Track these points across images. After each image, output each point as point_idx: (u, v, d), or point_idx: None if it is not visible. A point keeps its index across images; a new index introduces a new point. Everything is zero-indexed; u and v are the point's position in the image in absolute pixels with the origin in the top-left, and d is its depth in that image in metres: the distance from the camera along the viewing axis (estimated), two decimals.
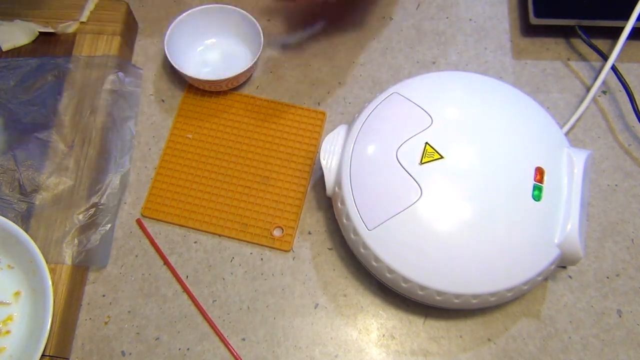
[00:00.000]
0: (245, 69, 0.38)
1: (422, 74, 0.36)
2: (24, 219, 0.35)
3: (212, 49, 0.42)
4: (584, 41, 0.41)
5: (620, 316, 0.35)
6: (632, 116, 0.40)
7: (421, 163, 0.32)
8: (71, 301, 0.34)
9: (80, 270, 0.35)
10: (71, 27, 0.40)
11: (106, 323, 0.35)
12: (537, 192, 0.31)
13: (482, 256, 0.31)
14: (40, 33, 0.40)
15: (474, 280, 0.31)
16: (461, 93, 0.35)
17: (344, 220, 0.33)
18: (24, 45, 0.40)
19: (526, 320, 0.35)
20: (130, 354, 0.34)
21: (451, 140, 0.33)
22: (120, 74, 0.40)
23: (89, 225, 0.35)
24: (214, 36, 0.42)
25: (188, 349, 0.34)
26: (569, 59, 0.42)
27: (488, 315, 0.35)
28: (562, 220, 0.31)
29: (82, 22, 0.41)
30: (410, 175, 0.32)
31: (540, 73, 0.42)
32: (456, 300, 0.31)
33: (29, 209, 0.35)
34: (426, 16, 0.44)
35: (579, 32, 0.41)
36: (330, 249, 0.37)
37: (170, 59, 0.39)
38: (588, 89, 0.41)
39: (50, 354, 0.32)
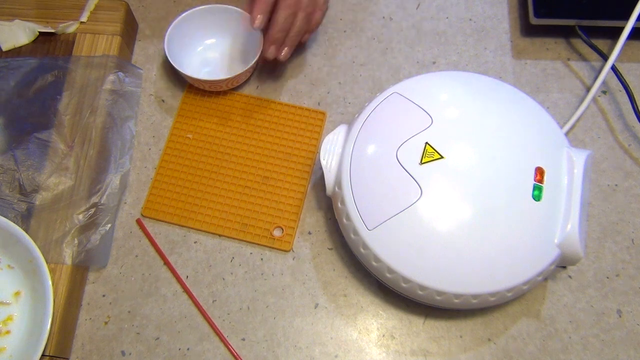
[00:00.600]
0: (245, 69, 0.38)
1: (422, 74, 0.36)
2: (24, 219, 0.35)
3: (212, 49, 0.42)
4: (584, 41, 0.41)
5: (620, 316, 0.35)
6: (632, 116, 0.40)
7: (421, 163, 0.32)
8: (71, 301, 0.34)
9: (80, 270, 0.35)
10: (71, 27, 0.40)
11: (106, 323, 0.35)
12: (537, 192, 0.31)
13: (482, 256, 0.31)
14: (40, 33, 0.40)
15: (473, 280, 0.31)
16: (461, 93, 0.35)
17: (344, 220, 0.33)
18: (24, 45, 0.40)
19: (526, 320, 0.35)
20: (130, 354, 0.34)
21: (451, 140, 0.33)
22: (120, 74, 0.40)
23: (89, 225, 0.35)
24: (213, 36, 0.42)
25: (188, 349, 0.34)
26: (569, 59, 0.42)
27: (488, 315, 0.35)
28: (562, 220, 0.31)
29: (82, 22, 0.41)
30: (410, 175, 0.32)
31: (540, 73, 0.42)
32: (456, 300, 0.31)
33: (29, 209, 0.35)
34: (426, 16, 0.44)
35: (579, 32, 0.41)
36: (330, 249, 0.37)
37: (170, 59, 0.39)
38: (588, 89, 0.41)
39: (50, 354, 0.32)
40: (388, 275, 0.32)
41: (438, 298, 0.31)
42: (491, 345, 0.34)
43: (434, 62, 0.42)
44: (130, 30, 0.42)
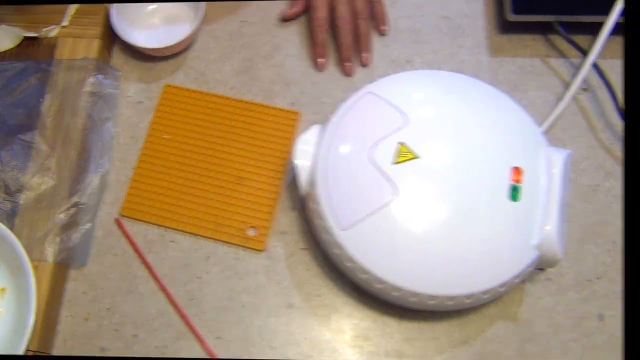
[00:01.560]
0: (190, 32, 0.40)
1: (397, 73, 0.36)
2: (9, 218, 0.36)
3: (155, 15, 0.43)
4: (564, 37, 0.40)
5: (601, 320, 0.34)
6: (614, 114, 0.39)
7: (395, 163, 0.32)
8: (53, 298, 0.35)
9: (62, 268, 0.36)
10: (53, 32, 0.41)
11: (86, 319, 0.36)
12: (514, 193, 0.31)
13: (458, 257, 0.30)
14: (25, 37, 0.41)
15: (449, 281, 0.30)
16: (436, 92, 0.34)
17: (317, 220, 0.33)
18: (8, 50, 0.41)
19: (503, 323, 0.34)
20: (109, 350, 0.35)
21: (426, 139, 0.32)
22: (100, 76, 0.40)
23: (70, 224, 0.36)
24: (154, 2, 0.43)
25: (165, 347, 0.35)
26: (547, 56, 0.41)
27: (464, 317, 0.34)
28: (540, 221, 0.31)
29: (63, 27, 0.42)
30: (384, 175, 0.31)
31: (518, 71, 0.41)
32: (431, 302, 0.31)
33: (13, 208, 0.36)
34: (402, 14, 0.43)
35: (558, 28, 0.40)
36: (304, 249, 0.37)
37: (118, 32, 0.40)
38: (567, 87, 0.40)
39: (34, 349, 0.33)
40: (361, 275, 0.32)
41: (412, 299, 0.31)
42: (467, 348, 0.34)
43: (408, 61, 0.42)
44: (109, 34, 0.43)
